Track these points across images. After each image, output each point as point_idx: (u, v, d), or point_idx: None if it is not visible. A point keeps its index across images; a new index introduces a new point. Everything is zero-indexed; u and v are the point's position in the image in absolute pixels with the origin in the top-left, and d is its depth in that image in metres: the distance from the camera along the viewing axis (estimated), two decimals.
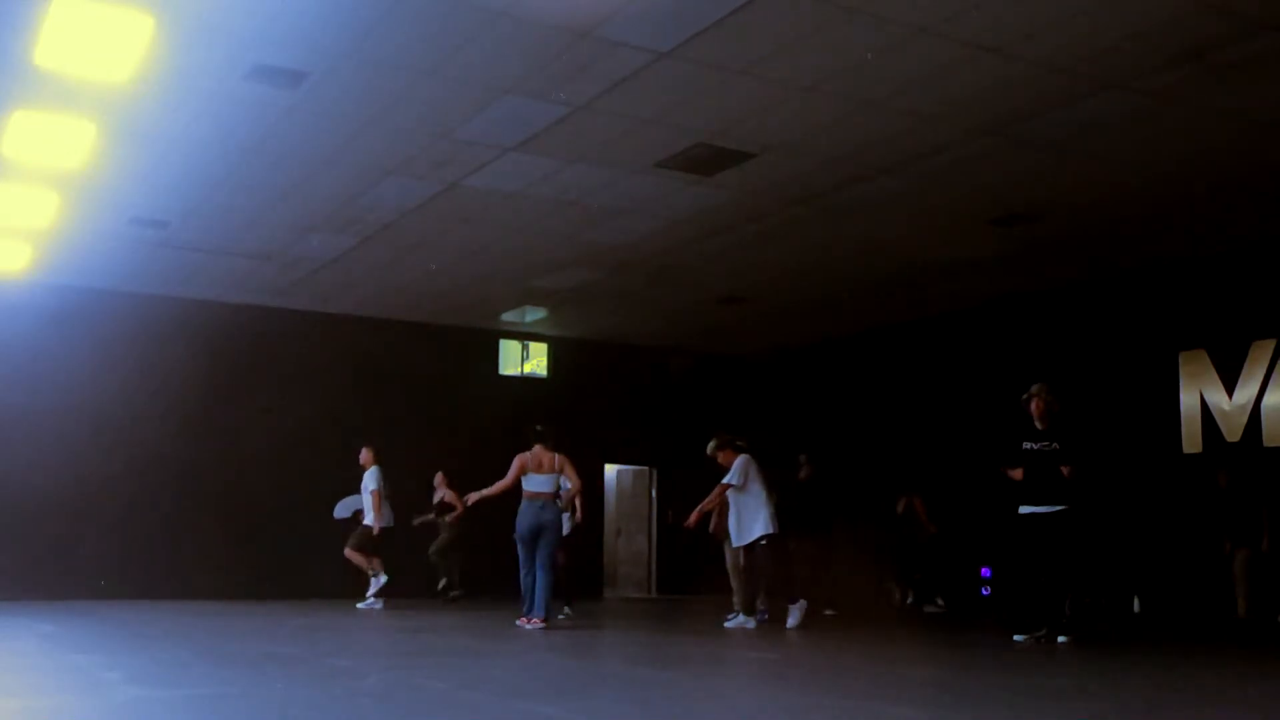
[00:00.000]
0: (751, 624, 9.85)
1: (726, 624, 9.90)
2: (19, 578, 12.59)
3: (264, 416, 14.18)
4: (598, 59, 7.43)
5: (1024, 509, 8.45)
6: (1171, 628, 10.41)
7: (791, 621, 9.76)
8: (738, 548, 10.10)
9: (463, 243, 11.79)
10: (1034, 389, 8.61)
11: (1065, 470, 8.29)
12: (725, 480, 9.87)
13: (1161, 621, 11.20)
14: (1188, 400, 11.99)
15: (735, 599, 11.07)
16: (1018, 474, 8.49)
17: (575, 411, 15.59)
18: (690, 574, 15.78)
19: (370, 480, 12.29)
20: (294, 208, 10.70)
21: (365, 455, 12.43)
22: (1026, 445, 8.49)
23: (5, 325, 13.09)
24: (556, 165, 9.45)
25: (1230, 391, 11.60)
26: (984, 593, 13.63)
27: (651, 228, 11.18)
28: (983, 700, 5.38)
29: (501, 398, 15.82)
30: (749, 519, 9.82)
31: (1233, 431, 11.53)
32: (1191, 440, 11.90)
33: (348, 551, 12.28)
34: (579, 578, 12.50)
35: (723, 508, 10.36)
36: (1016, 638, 8.41)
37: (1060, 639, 8.24)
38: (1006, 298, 13.64)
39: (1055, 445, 8.37)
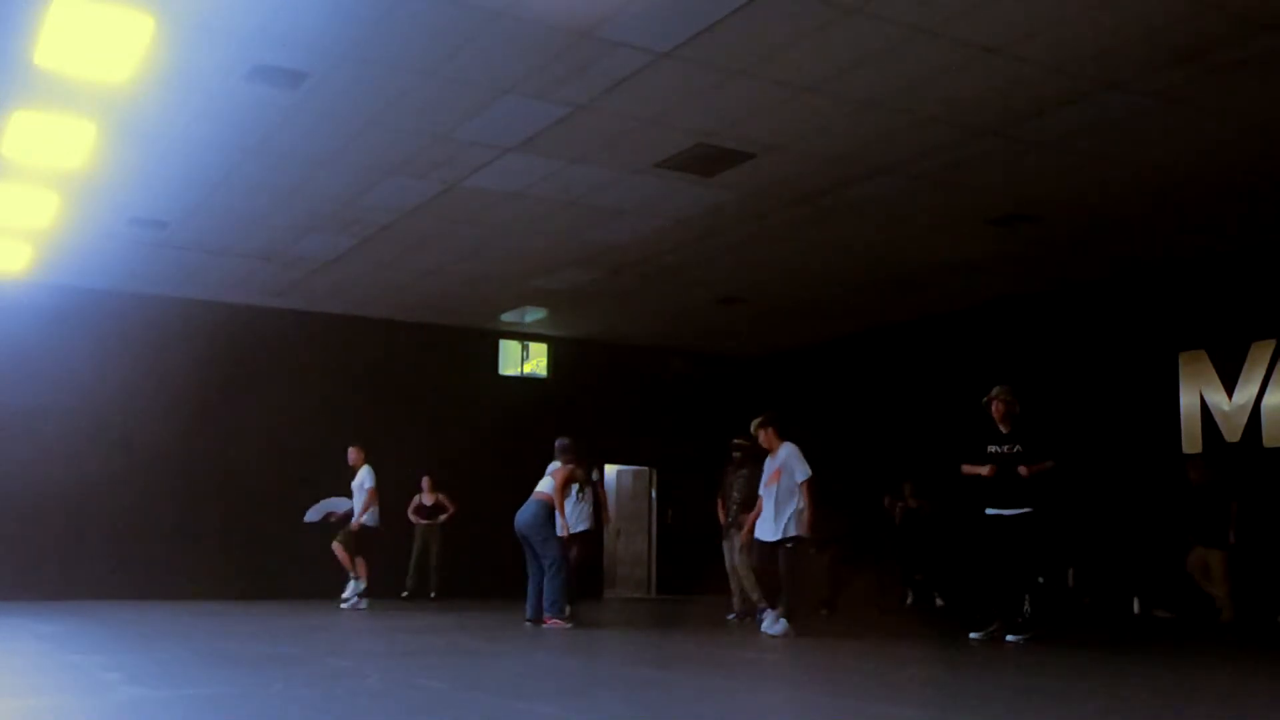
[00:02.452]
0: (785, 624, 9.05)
1: (767, 629, 9.03)
2: (19, 578, 12.59)
3: (263, 417, 14.17)
4: (598, 59, 7.43)
5: (989, 511, 8.59)
6: (1171, 628, 10.41)
7: (773, 626, 9.05)
8: (761, 543, 9.20)
9: (463, 243, 11.78)
10: (995, 391, 8.73)
11: (1023, 471, 8.37)
12: (802, 477, 9.01)
13: (1161, 622, 11.20)
14: (1188, 400, 11.99)
15: (735, 600, 11.06)
16: (988, 471, 8.53)
17: (575, 411, 15.58)
18: (690, 574, 15.78)
19: (368, 478, 12.29)
20: (294, 208, 10.69)
21: (356, 455, 12.46)
22: (991, 449, 8.59)
23: (5, 325, 13.07)
24: (556, 165, 9.45)
25: (1230, 392, 11.59)
26: None
27: (651, 228, 11.18)
28: (982, 700, 5.38)
29: (501, 398, 15.83)
30: (783, 515, 9.00)
31: (1233, 432, 11.53)
32: (1191, 440, 11.90)
33: (335, 545, 12.24)
34: (579, 578, 12.49)
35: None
36: (972, 635, 8.55)
37: (1010, 638, 8.35)
38: (1006, 298, 13.64)
39: (1018, 448, 8.48)
